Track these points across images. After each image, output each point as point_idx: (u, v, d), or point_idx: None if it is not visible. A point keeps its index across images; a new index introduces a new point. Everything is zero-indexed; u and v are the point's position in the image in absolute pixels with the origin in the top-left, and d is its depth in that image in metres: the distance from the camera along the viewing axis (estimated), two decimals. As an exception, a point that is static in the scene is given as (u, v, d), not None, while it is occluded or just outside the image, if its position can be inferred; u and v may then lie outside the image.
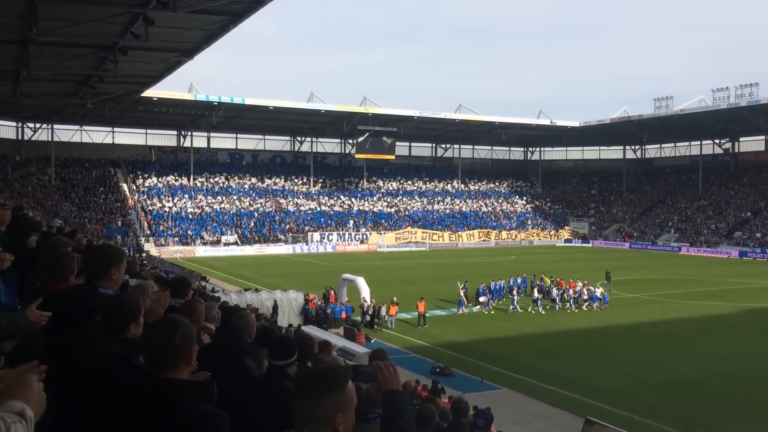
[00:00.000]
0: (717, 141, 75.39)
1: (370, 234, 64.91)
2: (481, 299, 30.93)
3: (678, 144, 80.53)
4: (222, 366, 3.63)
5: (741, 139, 74.38)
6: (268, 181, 71.37)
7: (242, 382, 3.65)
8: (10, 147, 58.65)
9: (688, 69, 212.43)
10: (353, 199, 72.83)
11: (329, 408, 1.96)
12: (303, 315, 27.86)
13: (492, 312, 30.44)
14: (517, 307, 30.39)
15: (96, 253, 3.41)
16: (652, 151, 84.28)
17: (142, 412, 2.11)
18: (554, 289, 32.07)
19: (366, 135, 69.29)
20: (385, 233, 65.49)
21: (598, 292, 31.60)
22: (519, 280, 35.08)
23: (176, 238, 57.22)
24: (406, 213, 72.59)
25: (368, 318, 27.38)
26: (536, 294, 31.47)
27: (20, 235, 5.86)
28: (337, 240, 63.20)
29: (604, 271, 38.26)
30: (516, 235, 71.73)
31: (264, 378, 3.80)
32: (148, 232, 57.38)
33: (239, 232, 60.89)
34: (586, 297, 31.10)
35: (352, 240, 63.64)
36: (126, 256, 3.41)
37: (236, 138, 73.12)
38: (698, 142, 76.97)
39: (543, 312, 30.20)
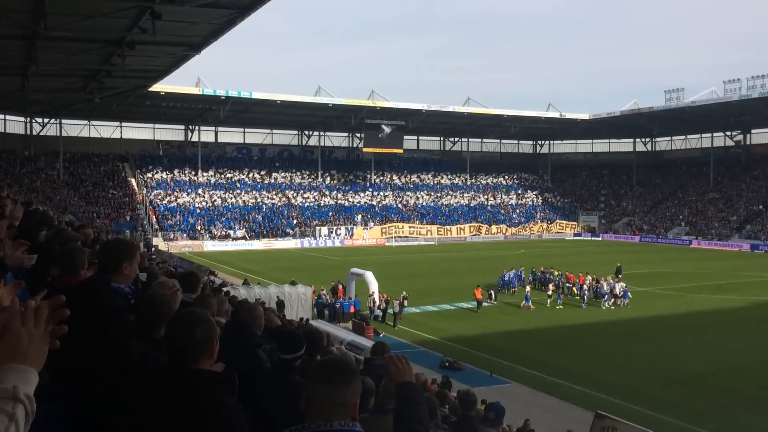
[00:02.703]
0: (728, 133, 74.65)
1: (354, 228, 64.22)
2: (550, 291, 30.95)
3: (689, 136, 79.81)
4: (235, 360, 3.60)
5: (753, 131, 73.57)
6: (275, 176, 71.45)
7: (256, 375, 3.64)
8: (19, 142, 58.97)
9: (700, 60, 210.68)
10: (361, 193, 72.80)
11: (354, 393, 2.04)
12: (316, 309, 27.95)
13: (560, 307, 29.93)
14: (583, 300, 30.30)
15: (108, 247, 3.38)
16: (663, 143, 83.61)
17: (169, 402, 2.12)
18: (566, 283, 31.86)
19: (374, 129, 69.14)
20: (370, 227, 64.88)
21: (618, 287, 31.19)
22: (518, 272, 35.64)
23: (184, 233, 57.46)
24: (415, 207, 72.49)
25: (379, 312, 27.44)
26: (528, 287, 31.73)
27: (31, 230, 5.86)
28: (345, 234, 63.17)
29: (615, 265, 38.04)
30: (506, 230, 70.50)
31: (272, 372, 3.79)
32: (157, 226, 57.63)
33: (247, 226, 61.04)
34: (619, 293, 30.49)
35: (337, 235, 62.61)
36: (139, 250, 3.38)
37: (244, 132, 73.19)
38: (709, 135, 76.25)
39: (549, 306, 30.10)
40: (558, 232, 72.27)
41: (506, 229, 70.66)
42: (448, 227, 68.46)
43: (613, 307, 29.74)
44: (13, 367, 1.40)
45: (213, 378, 2.21)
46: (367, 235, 63.20)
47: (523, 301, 29.79)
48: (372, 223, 66.02)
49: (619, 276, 34.89)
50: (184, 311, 2.55)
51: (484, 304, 30.28)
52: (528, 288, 31.26)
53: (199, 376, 2.18)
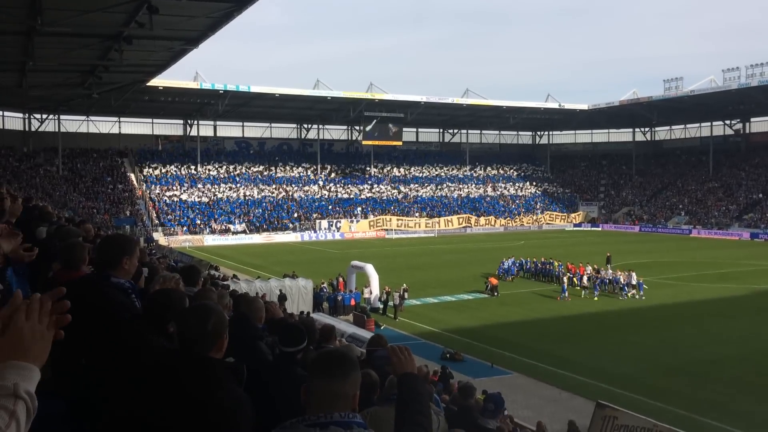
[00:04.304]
0: (727, 122, 74.53)
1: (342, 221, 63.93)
2: (585, 282, 30.68)
3: (688, 126, 79.68)
4: (236, 353, 3.61)
5: (752, 119, 73.44)
6: (275, 169, 71.39)
7: (257, 367, 3.65)
8: (18, 138, 58.87)
9: (698, 49, 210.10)
10: (361, 186, 72.76)
11: (354, 385, 2.05)
12: (314, 302, 27.99)
13: (596, 299, 29.66)
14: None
15: (108, 243, 3.38)
16: (662, 133, 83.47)
17: (176, 386, 2.13)
18: (568, 274, 31.84)
19: (373, 121, 68.99)
20: (357, 221, 64.37)
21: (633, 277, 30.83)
22: (511, 261, 36.04)
23: (184, 227, 57.46)
24: (414, 199, 72.46)
25: (380, 305, 27.47)
26: (565, 278, 31.27)
27: (30, 225, 5.86)
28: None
29: (605, 254, 38.03)
30: (494, 220, 69.69)
31: (274, 364, 3.80)
32: (157, 221, 57.63)
33: (247, 220, 61.04)
34: (634, 282, 30.19)
35: (337, 228, 62.13)
36: (138, 246, 3.39)
37: (243, 126, 73.07)
38: (708, 124, 76.09)
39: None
40: (548, 223, 71.97)
41: (494, 220, 69.68)
42: (436, 219, 67.87)
43: (641, 297, 29.54)
44: (13, 364, 1.39)
45: (221, 365, 2.24)
46: (355, 228, 63.02)
47: (560, 294, 29.67)
48: (372, 215, 65.97)
49: (608, 265, 34.97)
50: (197, 304, 2.57)
51: (484, 295, 30.38)
52: (565, 279, 30.70)
53: (207, 362, 2.21)
